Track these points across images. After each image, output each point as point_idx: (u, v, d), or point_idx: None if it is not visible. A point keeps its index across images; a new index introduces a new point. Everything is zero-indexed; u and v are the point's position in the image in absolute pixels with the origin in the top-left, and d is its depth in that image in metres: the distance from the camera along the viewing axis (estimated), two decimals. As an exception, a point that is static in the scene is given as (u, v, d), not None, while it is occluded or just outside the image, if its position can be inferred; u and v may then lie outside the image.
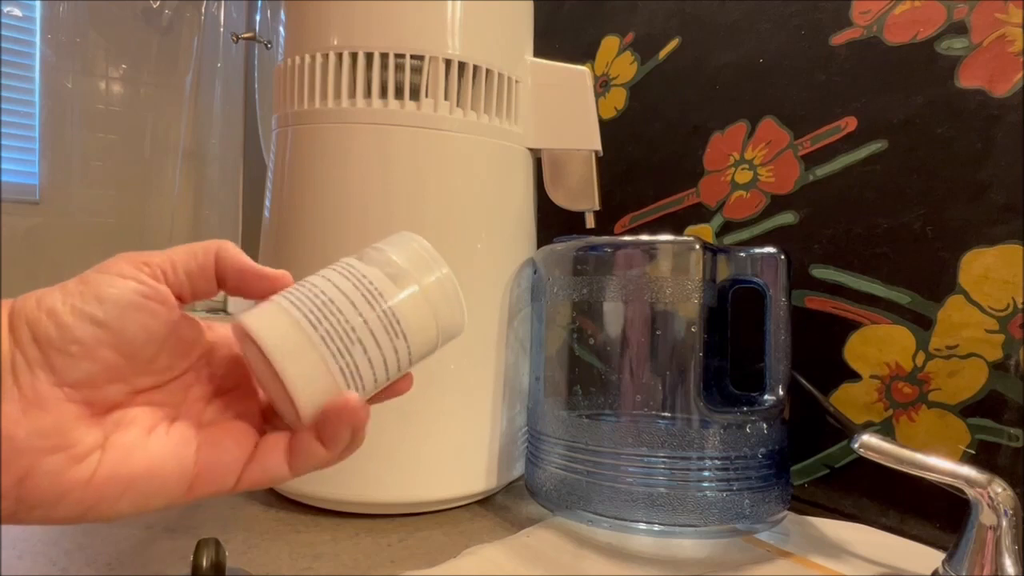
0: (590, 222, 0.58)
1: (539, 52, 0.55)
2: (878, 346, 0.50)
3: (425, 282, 0.27)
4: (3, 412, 0.20)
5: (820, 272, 0.54)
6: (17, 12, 1.65)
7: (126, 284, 0.23)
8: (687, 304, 0.45)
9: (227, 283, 0.26)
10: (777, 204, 0.57)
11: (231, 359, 0.28)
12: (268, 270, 0.26)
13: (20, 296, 0.22)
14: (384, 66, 0.47)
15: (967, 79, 0.47)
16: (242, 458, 0.25)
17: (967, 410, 0.46)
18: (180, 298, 0.25)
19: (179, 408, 0.26)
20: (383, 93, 0.47)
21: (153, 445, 0.23)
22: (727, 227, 0.61)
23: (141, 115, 1.83)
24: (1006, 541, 0.34)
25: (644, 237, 0.47)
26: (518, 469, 0.53)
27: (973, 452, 0.46)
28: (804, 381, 0.48)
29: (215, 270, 0.25)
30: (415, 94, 0.47)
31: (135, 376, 0.24)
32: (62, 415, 0.21)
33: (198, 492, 0.24)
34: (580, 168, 0.55)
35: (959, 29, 0.47)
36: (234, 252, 0.25)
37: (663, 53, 0.66)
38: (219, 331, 0.28)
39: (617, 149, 0.68)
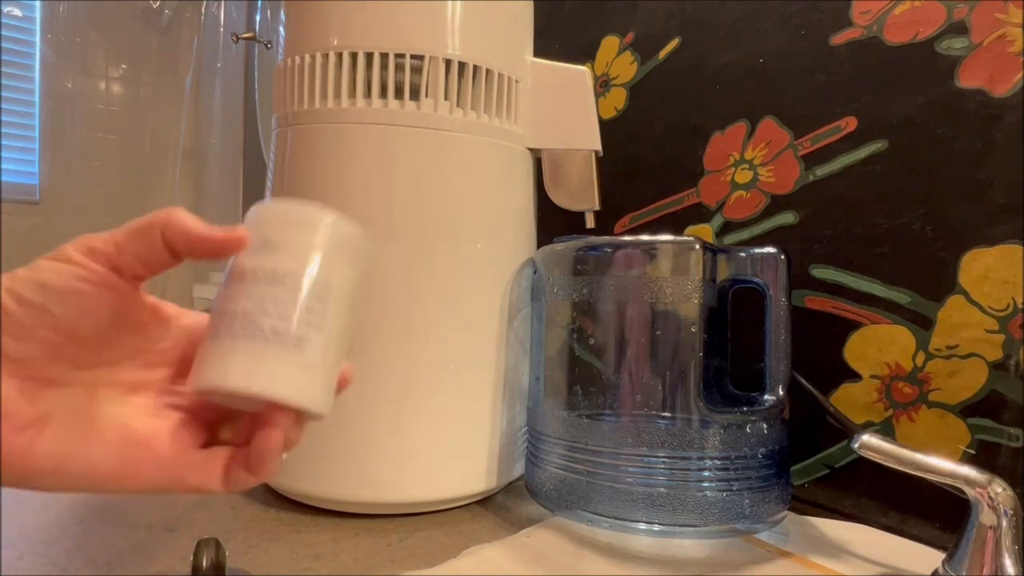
0: (590, 222, 0.58)
1: (539, 52, 0.55)
2: (878, 346, 0.50)
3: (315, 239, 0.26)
4: None
5: (820, 272, 0.54)
6: (17, 12, 1.65)
7: (67, 269, 0.24)
8: (687, 304, 0.45)
9: (180, 254, 0.25)
10: (777, 204, 0.57)
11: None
12: (218, 232, 0.25)
13: None
14: (384, 66, 0.47)
15: (967, 79, 0.47)
16: (173, 460, 0.25)
17: (967, 410, 0.46)
18: (136, 277, 0.25)
19: (137, 389, 0.26)
20: (383, 93, 0.47)
21: (92, 428, 0.24)
22: (727, 227, 0.61)
23: (141, 115, 1.83)
24: (1006, 541, 0.34)
25: (644, 237, 0.47)
26: (518, 469, 0.53)
27: (973, 452, 0.46)
28: (804, 381, 0.48)
29: (164, 244, 0.25)
30: (415, 94, 0.47)
31: (82, 355, 0.24)
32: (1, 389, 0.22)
33: (127, 485, 0.25)
34: (580, 168, 0.55)
35: (959, 29, 0.47)
36: (179, 222, 0.25)
37: (663, 53, 0.66)
38: (192, 317, 0.28)
39: (617, 149, 0.68)
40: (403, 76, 0.47)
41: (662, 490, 0.42)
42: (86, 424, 0.24)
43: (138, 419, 0.26)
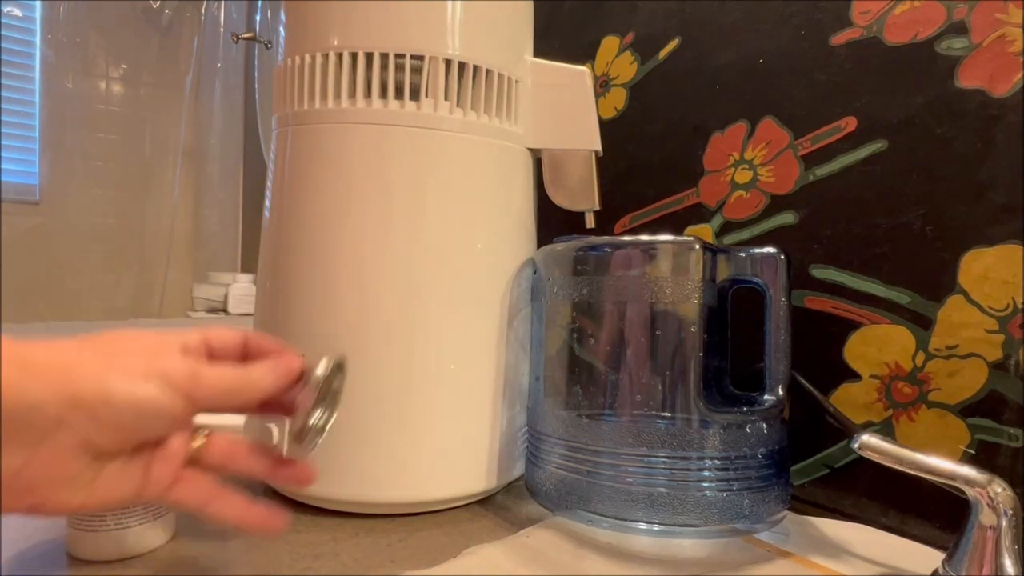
0: (590, 222, 0.58)
1: (539, 52, 0.55)
2: (878, 346, 0.50)
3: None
4: (37, 461, 0.27)
5: (820, 272, 0.54)
6: (17, 12, 1.65)
7: (173, 402, 0.29)
8: (687, 304, 0.45)
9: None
10: (777, 204, 0.57)
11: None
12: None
13: (77, 354, 0.28)
14: (384, 66, 0.47)
15: (967, 79, 0.47)
16: (166, 483, 0.32)
17: (967, 410, 0.46)
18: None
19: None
20: (383, 93, 0.47)
21: (120, 480, 0.30)
22: (727, 227, 0.61)
23: (141, 115, 1.83)
24: (1006, 541, 0.34)
25: (644, 237, 0.47)
26: (518, 469, 0.53)
27: (973, 452, 0.46)
28: (804, 381, 0.48)
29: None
30: (415, 94, 0.47)
31: (128, 446, 0.30)
32: (78, 465, 0.28)
33: (140, 500, 0.32)
34: (580, 168, 0.55)
35: (959, 29, 0.47)
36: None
37: (663, 53, 0.66)
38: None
39: (617, 149, 0.68)
40: (403, 76, 0.47)
41: (662, 490, 0.43)
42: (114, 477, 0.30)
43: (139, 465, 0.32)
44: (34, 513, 0.28)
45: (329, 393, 0.35)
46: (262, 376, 0.32)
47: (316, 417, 0.34)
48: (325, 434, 0.35)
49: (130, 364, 0.28)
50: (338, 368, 0.35)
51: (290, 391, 0.34)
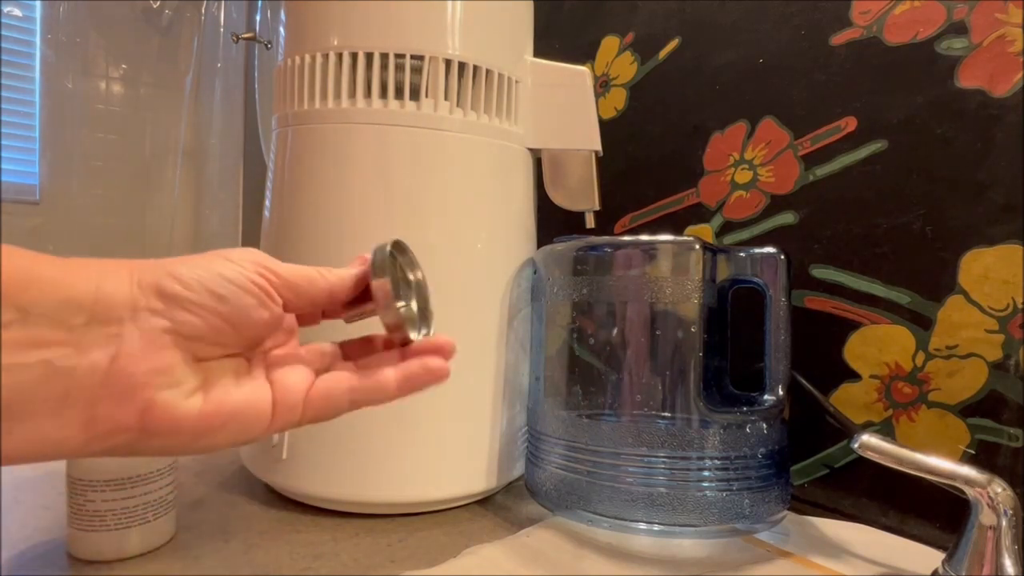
0: (590, 222, 0.58)
1: (539, 52, 0.55)
2: (878, 346, 0.50)
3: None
4: (125, 351, 0.24)
5: (820, 272, 0.54)
6: (17, 12, 1.65)
7: (245, 273, 0.27)
8: (687, 304, 0.45)
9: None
10: (777, 204, 0.57)
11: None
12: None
13: (135, 260, 0.26)
14: (384, 66, 0.47)
15: (967, 79, 0.47)
16: (304, 387, 0.29)
17: (967, 410, 0.46)
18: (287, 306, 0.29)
19: (258, 358, 0.30)
20: (383, 93, 0.47)
21: (242, 388, 0.27)
22: (727, 227, 0.61)
23: (141, 115, 1.83)
24: (1006, 541, 0.34)
25: (644, 237, 0.47)
26: (518, 469, 0.53)
27: (973, 452, 0.46)
28: (804, 381, 0.48)
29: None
30: (415, 94, 0.47)
31: (232, 344, 0.27)
32: (173, 358, 0.25)
33: (277, 422, 0.28)
34: (580, 168, 0.55)
35: (959, 29, 0.47)
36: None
37: (663, 53, 0.66)
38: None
39: (617, 149, 0.68)
40: (403, 76, 0.47)
41: (662, 490, 0.43)
42: (234, 383, 0.27)
43: (267, 371, 0.29)
44: (150, 423, 0.24)
45: (403, 279, 0.33)
46: (332, 270, 0.30)
47: (402, 305, 0.31)
48: (429, 325, 0.33)
49: (189, 261, 0.27)
50: (398, 249, 0.32)
51: (364, 286, 0.31)
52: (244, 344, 0.28)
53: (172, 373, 0.25)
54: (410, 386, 0.30)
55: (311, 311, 0.32)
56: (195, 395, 0.25)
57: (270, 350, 0.30)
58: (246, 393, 0.27)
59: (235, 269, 0.27)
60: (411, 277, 0.34)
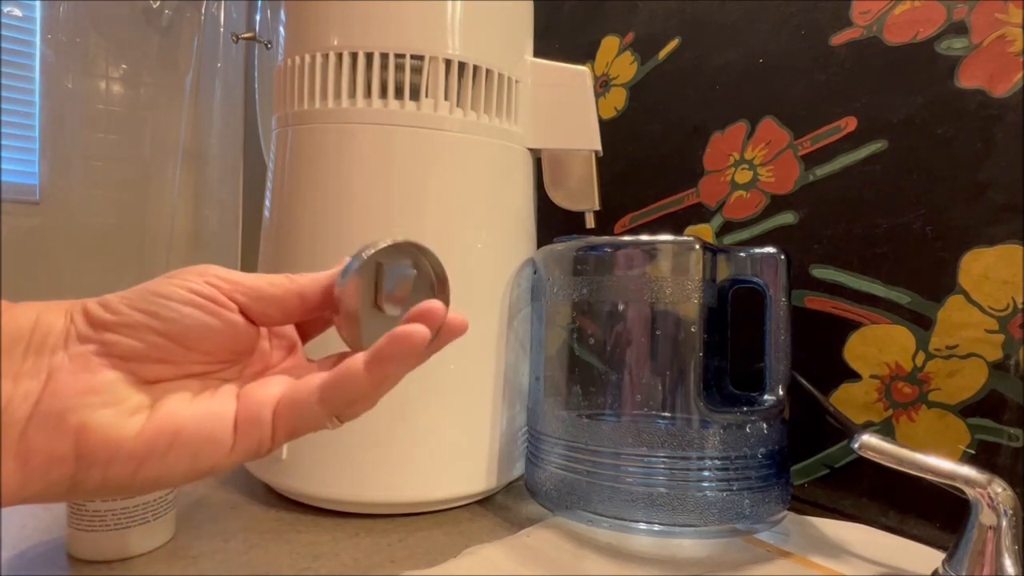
0: (590, 222, 0.58)
1: (539, 52, 0.55)
2: (878, 346, 0.50)
3: None
4: (56, 376, 0.23)
5: (820, 272, 0.54)
6: (17, 12, 1.65)
7: (183, 284, 0.26)
8: (687, 304, 0.45)
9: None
10: (777, 204, 0.57)
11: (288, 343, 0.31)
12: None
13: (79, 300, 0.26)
14: (384, 66, 0.47)
15: (967, 79, 0.47)
16: (274, 399, 0.26)
17: (967, 410, 0.46)
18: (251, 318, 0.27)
19: (227, 380, 0.28)
20: (383, 93, 0.47)
21: (196, 405, 0.25)
22: (727, 227, 0.61)
23: (141, 115, 1.83)
24: (1006, 541, 0.34)
25: (644, 237, 0.47)
26: (518, 469, 0.53)
27: (973, 452, 0.46)
28: (804, 381, 0.48)
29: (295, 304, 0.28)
30: (415, 94, 0.47)
31: (187, 361, 0.26)
32: (107, 378, 0.24)
33: (243, 442, 0.25)
34: (580, 168, 0.55)
35: (959, 29, 0.47)
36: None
37: (663, 53, 0.66)
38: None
39: (617, 149, 0.68)
40: (403, 76, 0.47)
41: (662, 490, 0.43)
42: (188, 402, 0.26)
43: (235, 389, 0.27)
44: (84, 448, 0.23)
45: (401, 282, 0.28)
46: (307, 274, 0.28)
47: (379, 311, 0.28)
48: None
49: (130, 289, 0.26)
50: (399, 250, 0.28)
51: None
52: (210, 360, 0.27)
53: (107, 392, 0.24)
54: (381, 366, 0.25)
55: (283, 318, 0.29)
56: (137, 415, 0.24)
57: (270, 367, 0.29)
58: (198, 409, 0.25)
59: (169, 284, 0.25)
60: (428, 277, 0.29)
